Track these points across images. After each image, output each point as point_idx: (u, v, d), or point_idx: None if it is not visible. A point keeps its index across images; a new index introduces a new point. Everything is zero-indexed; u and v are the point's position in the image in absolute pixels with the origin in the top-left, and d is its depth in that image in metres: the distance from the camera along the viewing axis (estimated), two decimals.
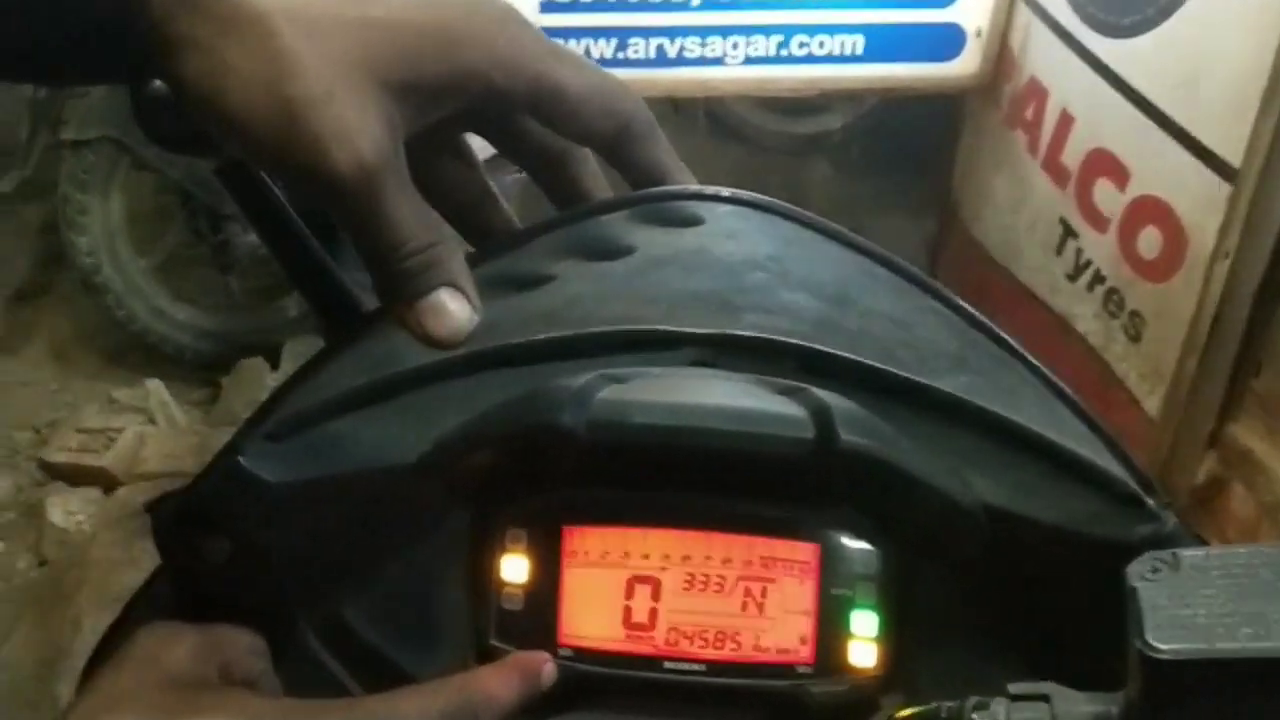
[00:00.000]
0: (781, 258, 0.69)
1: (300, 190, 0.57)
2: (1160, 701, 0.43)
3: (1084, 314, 2.26)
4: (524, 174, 0.73)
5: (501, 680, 0.61)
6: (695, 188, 0.71)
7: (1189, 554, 0.44)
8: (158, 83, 0.56)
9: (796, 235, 0.70)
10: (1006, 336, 0.68)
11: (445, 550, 0.67)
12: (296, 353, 2.91)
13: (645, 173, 0.69)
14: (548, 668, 0.63)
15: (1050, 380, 0.67)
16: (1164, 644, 0.41)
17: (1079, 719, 0.47)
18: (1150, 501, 0.60)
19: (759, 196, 0.71)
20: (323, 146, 0.54)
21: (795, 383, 0.64)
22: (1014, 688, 0.50)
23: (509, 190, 0.75)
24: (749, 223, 0.70)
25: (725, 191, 0.71)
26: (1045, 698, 0.49)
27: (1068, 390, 0.67)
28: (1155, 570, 0.44)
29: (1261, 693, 0.41)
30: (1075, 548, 0.61)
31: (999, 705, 0.49)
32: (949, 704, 0.52)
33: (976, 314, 0.69)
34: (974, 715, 0.50)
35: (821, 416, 0.62)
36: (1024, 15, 2.49)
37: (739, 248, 0.69)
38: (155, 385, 2.91)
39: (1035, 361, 0.68)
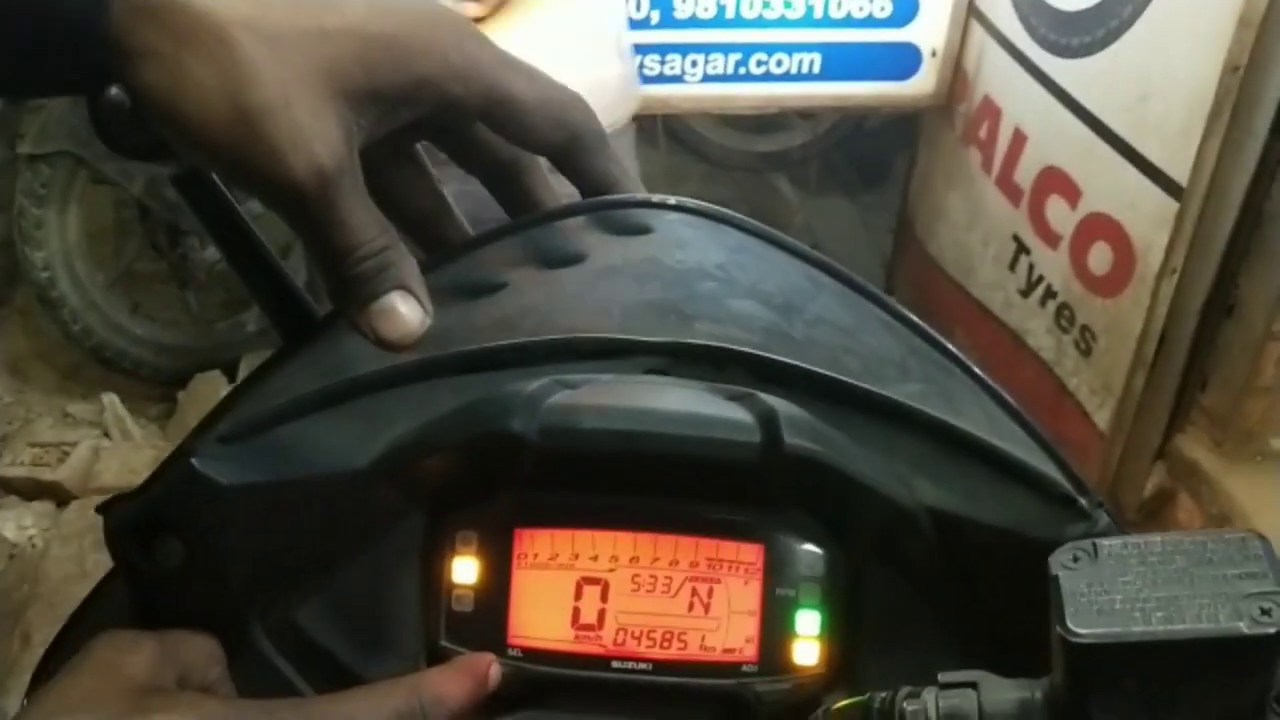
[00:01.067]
0: (729, 266, 0.70)
1: (257, 196, 0.58)
2: (1081, 684, 0.44)
3: (1036, 329, 2.29)
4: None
5: (451, 681, 0.62)
6: (644, 195, 0.73)
7: (1107, 543, 0.46)
8: (115, 90, 0.57)
9: (744, 243, 0.72)
10: (948, 345, 0.70)
11: (397, 553, 0.67)
12: (254, 367, 2.90)
13: (594, 183, 0.70)
14: (494, 669, 0.64)
15: (989, 387, 0.69)
16: (1083, 629, 0.43)
17: (1005, 704, 0.49)
18: (1083, 501, 0.62)
19: (706, 205, 0.72)
20: (280, 153, 0.55)
21: (743, 389, 0.66)
22: (943, 676, 0.51)
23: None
24: (698, 231, 0.72)
25: (672, 199, 0.72)
26: (974, 685, 0.50)
27: (1006, 396, 0.69)
28: (1075, 559, 0.46)
29: (1175, 673, 0.43)
30: (1015, 548, 0.63)
31: (929, 694, 0.51)
32: (882, 694, 0.53)
33: (919, 322, 0.71)
34: (905, 704, 0.51)
35: (768, 421, 0.63)
36: (978, 36, 2.53)
37: (688, 256, 0.70)
38: (111, 399, 2.89)
39: (975, 369, 0.70)
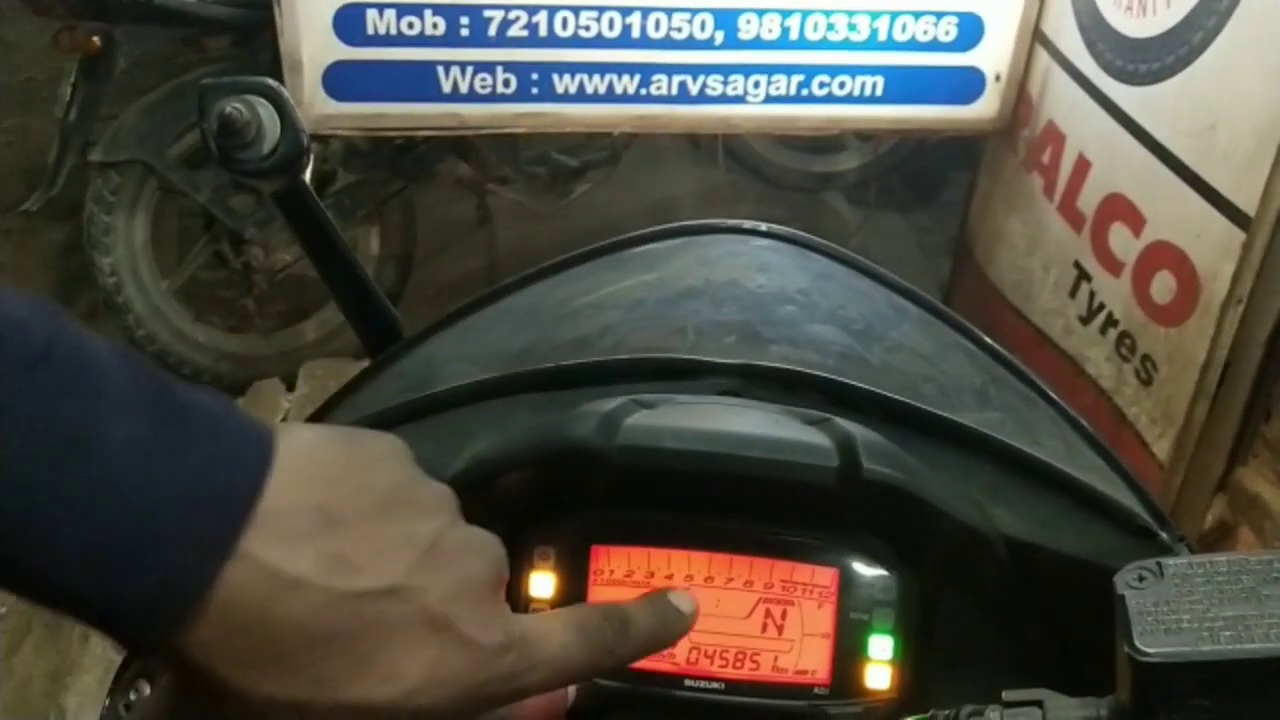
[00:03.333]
0: (811, 291, 0.71)
1: None
2: (1148, 703, 0.45)
3: (1096, 357, 2.28)
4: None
5: (643, 614, 0.58)
6: (733, 221, 0.73)
7: (1173, 562, 0.47)
8: (230, 108, 0.59)
9: (827, 269, 0.73)
10: (1029, 372, 0.71)
11: None
12: (313, 375, 2.94)
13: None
14: (689, 609, 0.60)
15: (1070, 415, 0.69)
16: (1150, 648, 0.43)
17: None
18: (1163, 535, 0.62)
19: (794, 231, 0.73)
20: None
21: (821, 413, 0.66)
22: (1008, 694, 0.51)
23: None
24: (781, 256, 0.73)
25: (762, 225, 0.73)
26: (1038, 703, 0.50)
27: (1086, 425, 0.69)
28: (1141, 579, 0.46)
29: (1242, 691, 0.43)
30: (1092, 579, 0.63)
31: (993, 712, 0.51)
32: (945, 712, 0.53)
33: (1000, 349, 0.71)
34: None
35: (846, 446, 0.64)
36: (1043, 61, 2.52)
37: (770, 280, 0.71)
38: None
39: (1056, 397, 0.70)
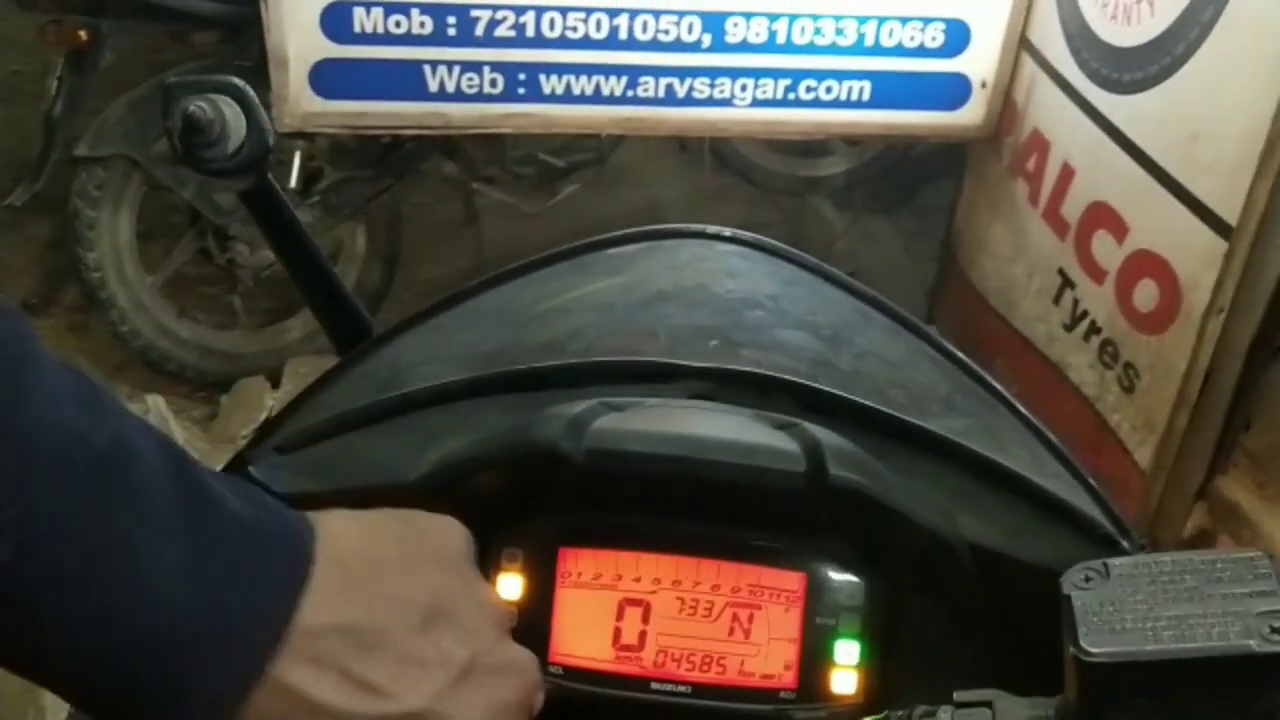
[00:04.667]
0: (780, 297, 0.71)
1: None
2: (1094, 702, 0.45)
3: (1079, 364, 2.28)
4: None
5: None
6: (699, 226, 0.74)
7: (1118, 563, 0.47)
8: (194, 107, 0.59)
9: (795, 276, 0.73)
10: (993, 382, 0.71)
11: None
12: (297, 373, 2.93)
13: None
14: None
15: (1034, 425, 0.70)
16: (1095, 648, 0.44)
17: None
18: (1125, 544, 0.62)
19: (760, 237, 0.73)
20: None
21: (789, 418, 0.66)
22: (959, 695, 0.52)
23: None
24: (749, 262, 0.73)
25: (728, 231, 0.73)
26: (988, 704, 0.50)
27: (1050, 435, 0.69)
28: (1088, 579, 0.47)
29: (1186, 690, 0.44)
30: (1055, 586, 0.63)
31: (944, 712, 0.51)
32: (898, 713, 0.53)
33: (965, 359, 0.71)
34: None
35: (813, 451, 0.64)
36: (1029, 68, 2.53)
37: (739, 286, 0.71)
38: (155, 400, 2.92)
39: (1020, 407, 0.70)
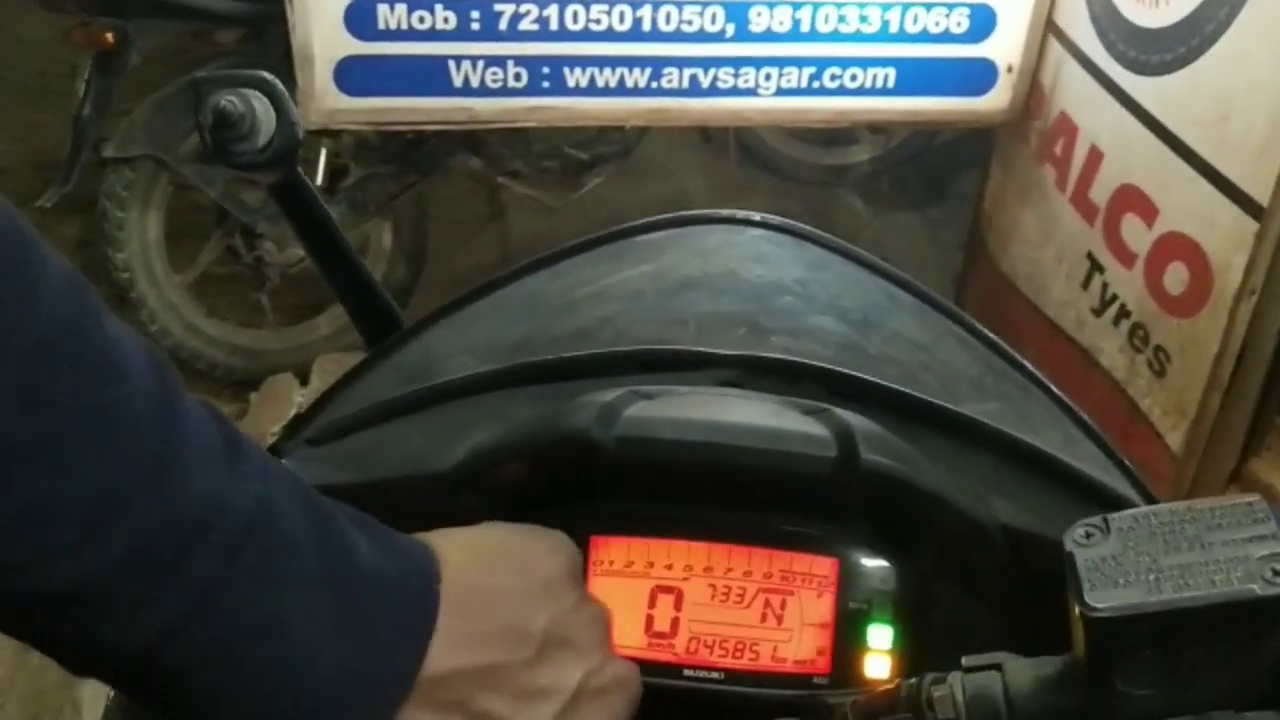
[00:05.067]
0: (808, 281, 0.71)
1: None
2: (1103, 657, 0.45)
3: (1109, 348, 2.27)
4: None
5: None
6: (727, 211, 0.73)
7: (1118, 517, 0.46)
8: (224, 101, 0.59)
9: (823, 259, 0.73)
10: (1025, 362, 0.70)
11: None
12: (325, 369, 2.94)
13: None
14: None
15: (1066, 405, 0.69)
16: (1099, 603, 0.44)
17: (1029, 683, 0.49)
18: None
19: (788, 221, 0.73)
20: None
21: (819, 404, 0.66)
22: (967, 660, 0.51)
23: None
24: (777, 247, 0.72)
25: (756, 215, 0.73)
26: (998, 666, 0.50)
27: (1083, 415, 0.69)
28: (1089, 535, 0.47)
29: (1190, 639, 0.43)
30: None
31: (954, 677, 0.51)
32: (909, 681, 0.53)
33: (996, 339, 0.71)
34: (932, 690, 0.51)
35: (844, 436, 0.64)
36: (1055, 52, 2.51)
37: (768, 271, 0.71)
38: None
39: (1052, 387, 0.70)
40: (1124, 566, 0.45)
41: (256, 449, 0.48)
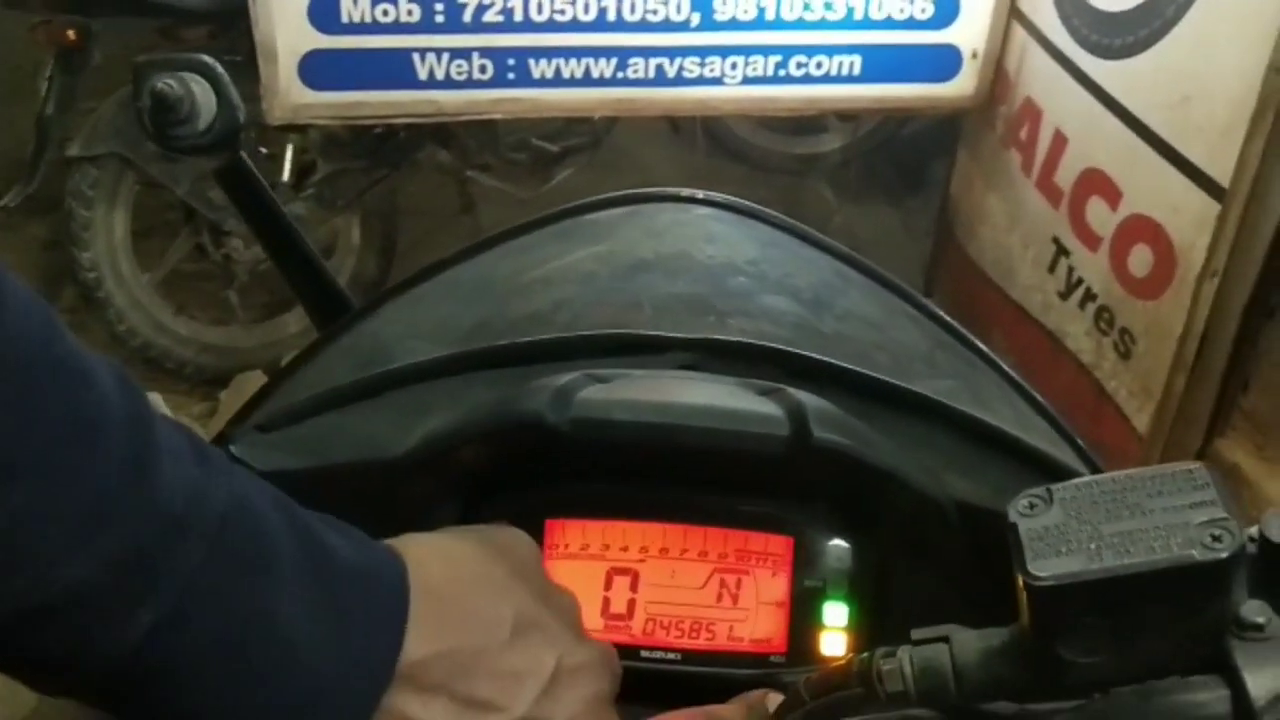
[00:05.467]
0: (760, 261, 0.71)
1: None
2: (1047, 626, 0.45)
3: (1075, 331, 2.28)
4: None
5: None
6: (673, 190, 0.73)
7: (1061, 488, 0.47)
8: (162, 84, 0.58)
9: (772, 238, 0.73)
10: (975, 340, 0.71)
11: None
12: None
13: None
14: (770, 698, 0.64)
15: (1016, 382, 0.69)
16: (1043, 572, 0.44)
17: (976, 654, 0.49)
18: None
19: (735, 199, 0.73)
20: None
21: (773, 384, 0.66)
22: (916, 633, 0.51)
23: None
24: (727, 226, 0.73)
25: (700, 194, 0.73)
26: (945, 639, 0.51)
27: (1032, 391, 0.69)
28: (1032, 506, 0.47)
29: (1135, 605, 0.44)
30: None
31: (903, 651, 0.51)
32: (860, 655, 0.54)
33: (946, 318, 0.71)
34: (881, 663, 0.51)
35: (797, 415, 0.64)
36: (1020, 37, 2.52)
37: (719, 251, 0.71)
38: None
39: (1002, 364, 0.70)
40: (1066, 536, 0.45)
41: (220, 453, 0.48)
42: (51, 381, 0.42)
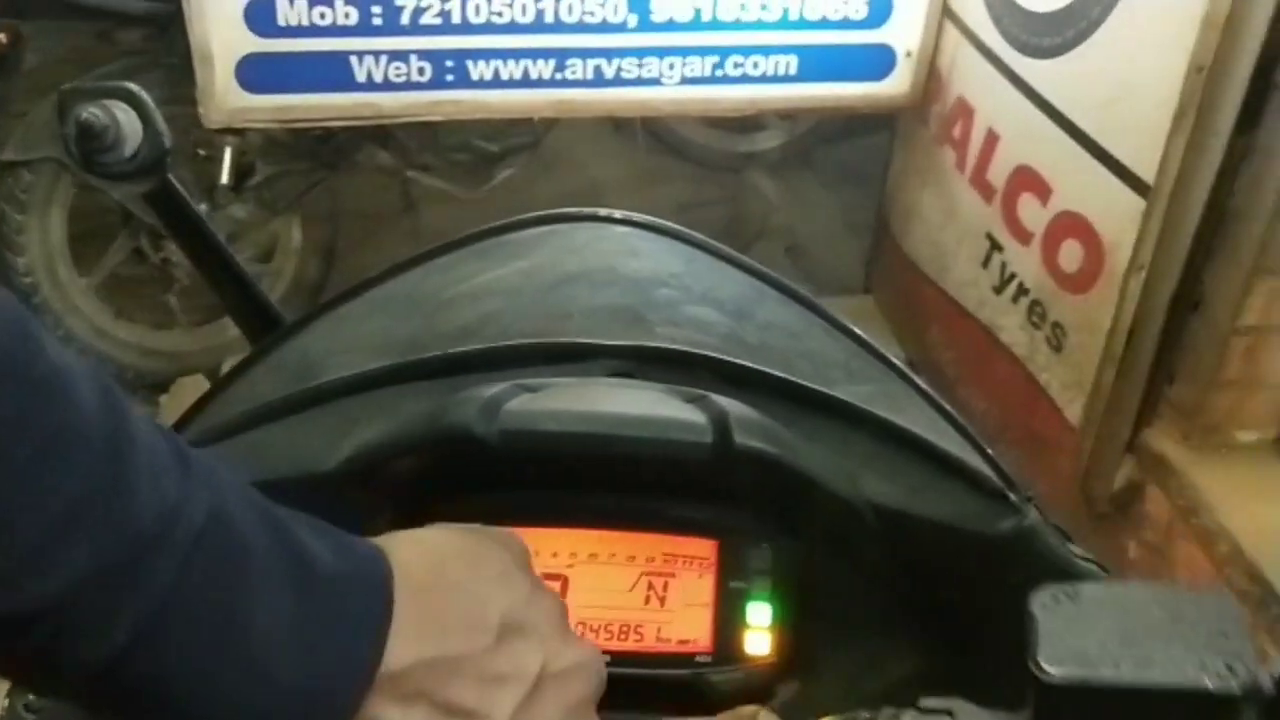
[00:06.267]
0: (682, 275, 0.73)
1: None
2: None
3: (1009, 325, 2.32)
4: None
5: None
6: (590, 210, 0.75)
7: (1089, 588, 0.49)
8: (88, 114, 0.59)
9: (690, 254, 0.75)
10: (883, 350, 0.73)
11: None
12: None
13: None
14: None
15: (924, 390, 0.72)
16: (1054, 668, 0.46)
17: None
18: (1013, 496, 0.65)
19: (652, 219, 0.75)
20: None
21: (698, 391, 0.68)
22: (924, 702, 0.53)
23: None
24: (646, 242, 0.74)
25: (618, 214, 0.75)
26: (949, 712, 0.52)
27: (939, 399, 0.72)
28: (1056, 600, 0.48)
29: (1138, 717, 0.45)
30: (953, 542, 0.66)
31: (908, 716, 0.53)
32: (866, 714, 0.55)
33: (857, 330, 0.74)
34: None
35: (720, 422, 0.66)
36: (953, 37, 2.56)
37: (643, 265, 0.73)
38: None
39: (910, 374, 0.72)
40: (1084, 638, 0.47)
41: (204, 460, 0.49)
42: (21, 394, 0.43)
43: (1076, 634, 0.47)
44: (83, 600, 0.43)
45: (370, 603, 0.50)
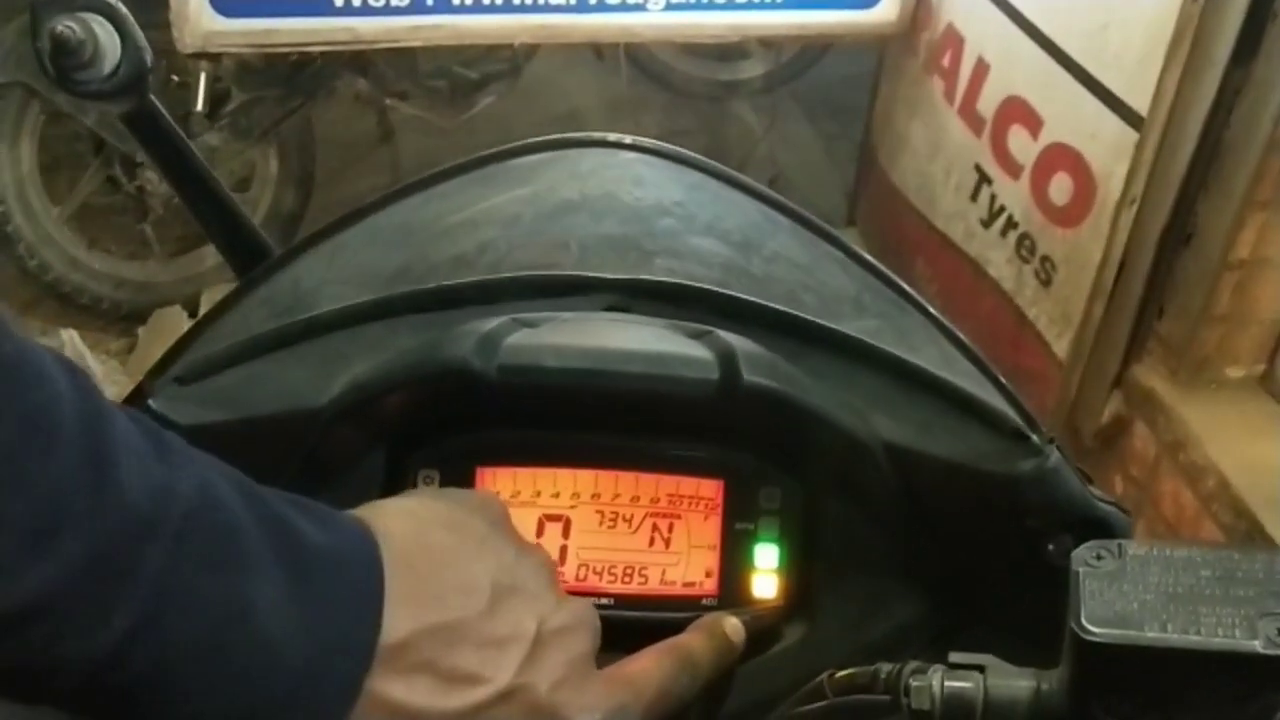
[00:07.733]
0: (687, 203, 0.70)
1: None
2: (1088, 681, 0.45)
3: (997, 259, 2.30)
4: None
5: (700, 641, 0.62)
6: (599, 135, 0.72)
7: (1134, 546, 0.47)
8: (62, 26, 0.56)
9: (699, 181, 0.72)
10: (901, 283, 0.71)
11: (359, 492, 0.67)
12: (215, 302, 2.88)
13: None
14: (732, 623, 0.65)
15: (943, 324, 0.70)
16: (1096, 627, 0.44)
17: (1011, 691, 0.49)
18: (1034, 437, 0.63)
19: (661, 144, 0.72)
20: None
21: (703, 326, 0.66)
22: (954, 657, 0.51)
23: None
24: (653, 169, 0.72)
25: (628, 139, 0.72)
26: (981, 668, 0.50)
27: (959, 334, 0.69)
28: (1099, 558, 0.46)
29: (1183, 681, 0.44)
30: (968, 482, 0.64)
31: (935, 672, 0.51)
32: (889, 666, 0.53)
33: (872, 260, 0.71)
34: (911, 680, 0.51)
35: (726, 358, 0.64)
36: None
37: (646, 194, 0.70)
38: (70, 335, 2.85)
39: (929, 306, 0.70)
40: (1128, 596, 0.45)
41: (179, 441, 0.47)
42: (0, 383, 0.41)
43: (1120, 593, 0.45)
44: (79, 592, 0.42)
45: (363, 576, 0.49)
